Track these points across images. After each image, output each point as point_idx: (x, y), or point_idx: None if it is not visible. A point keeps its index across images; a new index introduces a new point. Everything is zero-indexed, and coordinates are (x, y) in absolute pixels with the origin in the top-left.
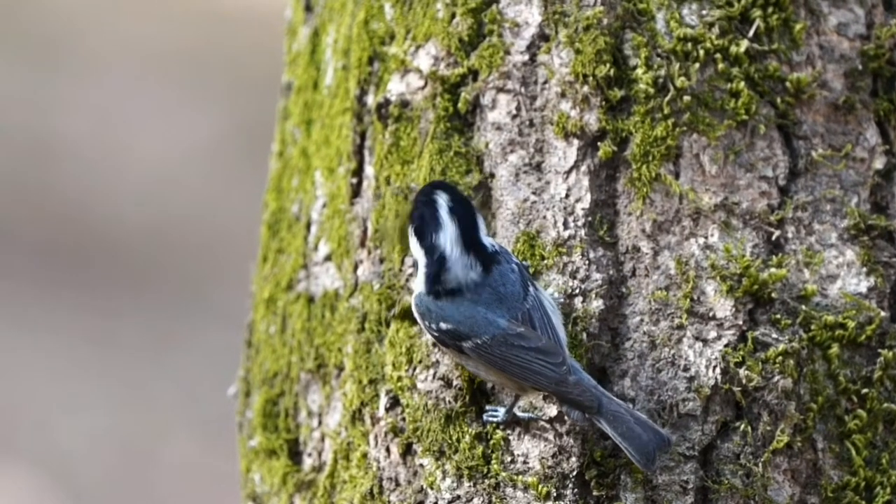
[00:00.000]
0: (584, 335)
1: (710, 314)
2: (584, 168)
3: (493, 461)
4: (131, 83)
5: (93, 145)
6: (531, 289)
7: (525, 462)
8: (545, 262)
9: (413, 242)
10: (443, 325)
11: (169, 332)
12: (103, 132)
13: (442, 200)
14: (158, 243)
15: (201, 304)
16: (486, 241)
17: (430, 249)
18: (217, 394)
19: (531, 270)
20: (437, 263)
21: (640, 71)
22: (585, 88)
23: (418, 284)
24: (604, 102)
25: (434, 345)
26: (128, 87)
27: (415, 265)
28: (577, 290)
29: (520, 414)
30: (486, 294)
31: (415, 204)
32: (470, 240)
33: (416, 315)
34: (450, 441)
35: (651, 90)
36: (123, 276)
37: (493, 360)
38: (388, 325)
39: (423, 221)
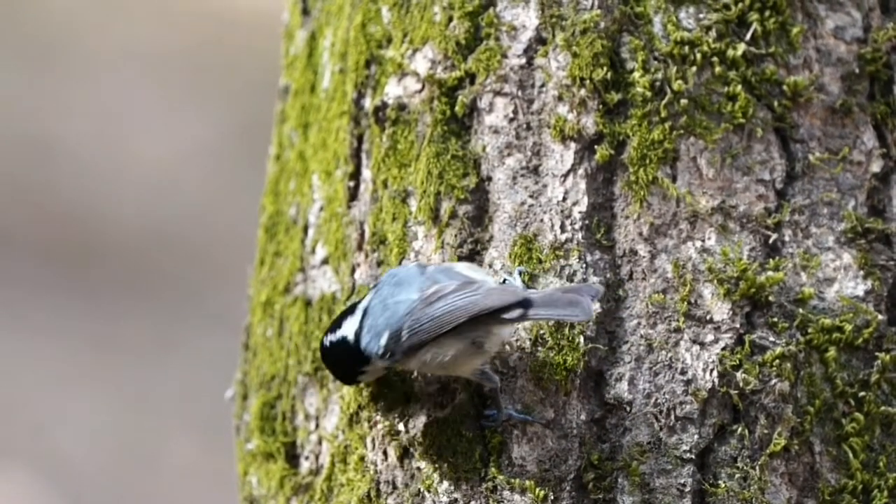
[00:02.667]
0: (581, 338)
1: (708, 317)
2: (581, 171)
3: (491, 464)
4: (130, 85)
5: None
6: (431, 266)
7: (522, 465)
8: (542, 265)
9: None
10: (382, 341)
11: (167, 335)
12: (102, 134)
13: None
14: (157, 246)
15: (199, 307)
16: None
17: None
18: (215, 396)
19: (527, 276)
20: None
21: (637, 74)
22: (582, 92)
23: (370, 348)
24: (601, 106)
25: (400, 376)
26: (127, 90)
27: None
28: None
29: (515, 415)
30: (385, 290)
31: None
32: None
33: (371, 363)
34: (447, 444)
35: (648, 93)
36: (122, 279)
37: (428, 326)
38: None
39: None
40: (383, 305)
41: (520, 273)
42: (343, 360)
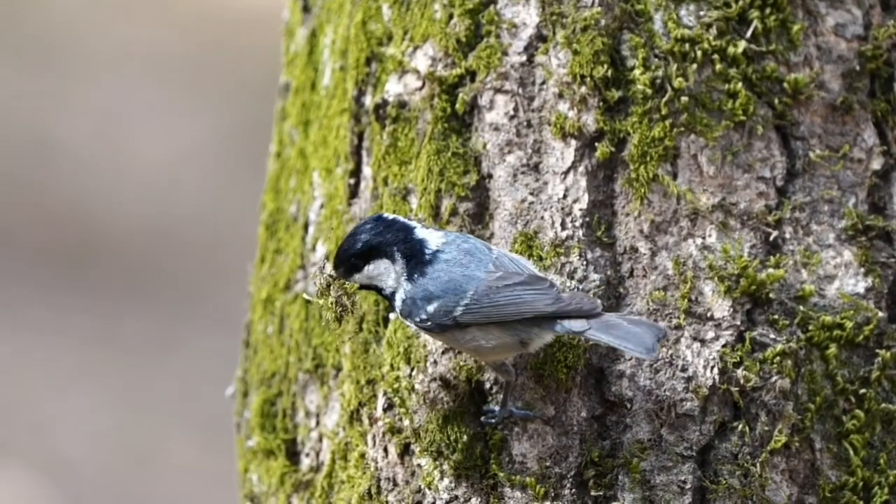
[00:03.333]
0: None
1: (708, 314)
2: (581, 168)
3: (492, 461)
4: (130, 85)
5: (92, 147)
6: (493, 247)
7: (523, 462)
8: (543, 262)
9: (368, 271)
10: (430, 308)
11: (167, 334)
12: (103, 134)
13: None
14: (157, 245)
15: (200, 306)
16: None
17: (406, 241)
18: (216, 394)
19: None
20: (417, 245)
21: (637, 72)
22: (583, 89)
23: (398, 292)
24: (601, 103)
25: (435, 343)
26: (127, 89)
27: (383, 292)
28: (576, 291)
29: (516, 412)
30: (454, 252)
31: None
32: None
33: (405, 321)
34: (448, 441)
35: (649, 91)
36: (123, 278)
37: (485, 310)
38: (385, 326)
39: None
40: (448, 268)
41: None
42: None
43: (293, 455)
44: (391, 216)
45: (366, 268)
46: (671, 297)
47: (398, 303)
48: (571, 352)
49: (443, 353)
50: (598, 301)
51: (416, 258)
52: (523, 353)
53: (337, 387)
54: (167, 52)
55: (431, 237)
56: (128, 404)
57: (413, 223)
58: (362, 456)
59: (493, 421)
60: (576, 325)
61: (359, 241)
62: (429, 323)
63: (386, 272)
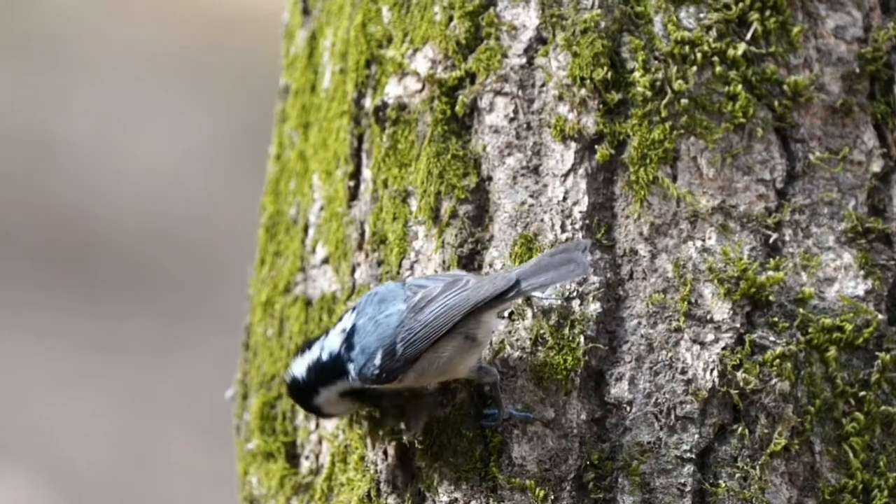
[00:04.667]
0: (582, 338)
1: (708, 317)
2: (581, 171)
3: (491, 464)
4: (130, 85)
5: (92, 147)
6: (410, 278)
7: (522, 465)
8: None
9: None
10: (376, 360)
11: (167, 335)
12: (103, 134)
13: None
14: (157, 246)
15: (200, 307)
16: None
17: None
18: (216, 396)
19: None
20: (330, 363)
21: (637, 74)
22: (583, 91)
23: (353, 378)
24: (601, 105)
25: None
26: (127, 90)
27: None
28: (575, 293)
29: (515, 414)
30: (369, 310)
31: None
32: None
33: (368, 389)
34: (447, 444)
35: (648, 93)
36: (122, 278)
37: (423, 331)
38: None
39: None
40: (374, 323)
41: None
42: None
43: (293, 458)
44: (299, 367)
45: (322, 394)
46: (671, 300)
47: (354, 379)
48: (570, 354)
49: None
50: (512, 276)
51: (337, 363)
52: (476, 348)
53: None
54: (167, 52)
55: (335, 331)
56: (128, 405)
57: (316, 346)
58: (362, 458)
59: (493, 424)
60: (510, 294)
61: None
62: (383, 375)
63: (333, 386)
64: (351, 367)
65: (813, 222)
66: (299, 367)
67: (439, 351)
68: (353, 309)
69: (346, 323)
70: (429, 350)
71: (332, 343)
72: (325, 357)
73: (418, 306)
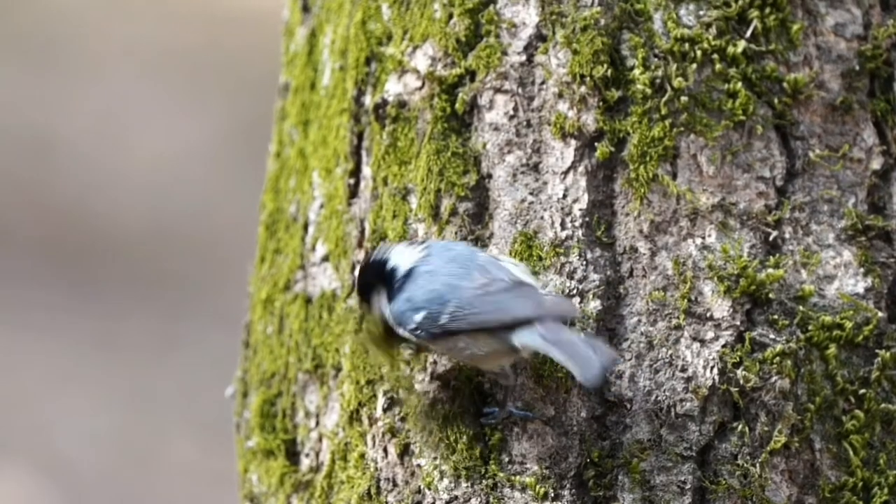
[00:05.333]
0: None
1: (708, 315)
2: (581, 168)
3: (491, 461)
4: (130, 83)
5: (93, 145)
6: (481, 251)
7: (523, 462)
8: (543, 262)
9: (374, 304)
10: (417, 317)
11: (168, 333)
12: (103, 132)
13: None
14: (157, 244)
15: (200, 305)
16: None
17: (386, 276)
18: (216, 394)
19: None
20: (389, 278)
21: (637, 71)
22: (583, 89)
23: (386, 312)
24: (601, 103)
25: (426, 352)
26: (127, 88)
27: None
28: (575, 291)
29: (516, 412)
30: (436, 263)
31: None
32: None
33: (396, 330)
34: (447, 441)
35: (648, 91)
36: (122, 277)
37: (471, 319)
38: None
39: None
40: (430, 278)
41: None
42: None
43: (293, 455)
44: (378, 255)
45: (372, 302)
46: (671, 297)
47: (390, 319)
48: None
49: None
50: (577, 306)
51: (391, 285)
52: (513, 355)
53: (337, 387)
54: (168, 50)
55: (403, 259)
56: (127, 404)
57: (388, 253)
58: (362, 456)
59: (492, 422)
60: (526, 337)
61: (356, 284)
62: (419, 331)
63: (380, 303)
64: (387, 312)
65: (813, 220)
66: (399, 258)
67: (479, 344)
68: (425, 247)
69: (408, 263)
70: (469, 336)
71: (400, 261)
72: (394, 265)
73: (479, 293)
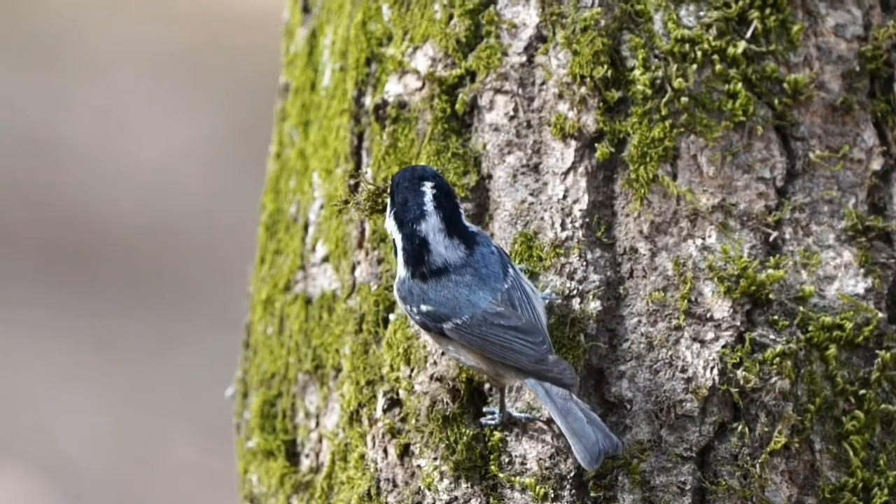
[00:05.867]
0: (582, 336)
1: (708, 315)
2: (581, 169)
3: (491, 462)
4: (130, 84)
5: (93, 146)
6: (511, 270)
7: (523, 463)
8: (543, 263)
9: (391, 226)
10: (423, 308)
11: (168, 333)
12: (103, 133)
13: (427, 189)
14: (158, 244)
15: (200, 305)
16: (468, 225)
17: (411, 235)
18: (216, 395)
19: (528, 273)
20: (418, 248)
21: (637, 72)
22: (583, 90)
23: (400, 269)
24: (601, 104)
25: (418, 330)
26: (127, 88)
27: (393, 250)
28: (575, 292)
29: (516, 414)
30: (469, 275)
31: (397, 187)
32: (453, 225)
33: (397, 299)
34: (447, 442)
35: (649, 91)
36: (123, 277)
37: (473, 339)
38: (385, 326)
39: (405, 207)
40: (455, 288)
41: (504, 252)
42: (403, 214)
43: (293, 456)
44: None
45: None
46: (671, 298)
47: (396, 282)
48: (571, 353)
49: (442, 353)
50: (578, 378)
51: (418, 257)
52: (506, 378)
53: (336, 388)
54: (167, 50)
55: (447, 249)
56: (127, 404)
57: (427, 233)
58: (362, 457)
59: (492, 423)
60: (535, 387)
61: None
62: (417, 316)
63: (395, 238)
64: (400, 273)
65: (813, 220)
66: (434, 237)
67: (469, 357)
68: (464, 257)
69: (447, 258)
70: (463, 347)
71: (437, 259)
72: (410, 245)
73: (492, 321)
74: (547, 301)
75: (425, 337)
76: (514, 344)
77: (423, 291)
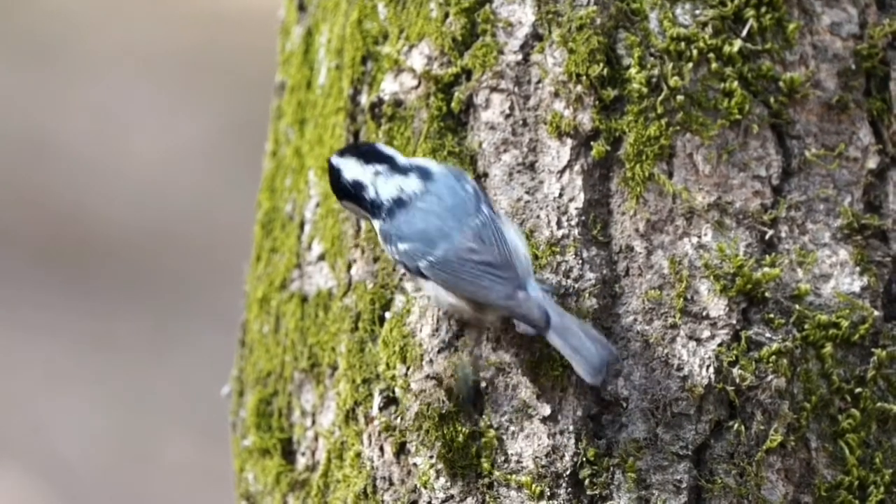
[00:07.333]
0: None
1: (704, 313)
2: (577, 167)
3: (487, 460)
4: (127, 83)
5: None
6: (485, 208)
7: (519, 461)
8: (539, 261)
9: (350, 206)
10: (401, 247)
11: (165, 333)
12: (100, 133)
13: (352, 159)
14: (154, 244)
15: (197, 305)
16: (414, 160)
17: (356, 186)
18: (212, 393)
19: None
20: (370, 193)
21: (633, 70)
22: (579, 88)
23: (374, 224)
24: (597, 102)
25: (403, 275)
26: (123, 87)
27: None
28: (571, 290)
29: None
30: (435, 204)
31: (331, 178)
32: (392, 162)
33: (382, 246)
34: (443, 440)
35: (644, 90)
36: (119, 277)
37: (446, 277)
38: (381, 325)
39: (353, 184)
40: (424, 220)
41: (484, 191)
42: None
43: (289, 454)
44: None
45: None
46: (667, 296)
47: (377, 228)
48: None
49: (439, 351)
50: (547, 313)
51: (374, 202)
52: (482, 321)
53: (333, 386)
54: (164, 50)
55: (391, 185)
56: (124, 404)
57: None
58: (358, 455)
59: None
60: (526, 328)
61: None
62: (398, 257)
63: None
64: (377, 224)
65: (809, 219)
66: (352, 172)
67: (448, 296)
68: (421, 176)
69: (411, 187)
70: (439, 286)
71: (385, 191)
72: (375, 196)
73: (464, 256)
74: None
75: (407, 286)
76: (484, 279)
77: (398, 228)
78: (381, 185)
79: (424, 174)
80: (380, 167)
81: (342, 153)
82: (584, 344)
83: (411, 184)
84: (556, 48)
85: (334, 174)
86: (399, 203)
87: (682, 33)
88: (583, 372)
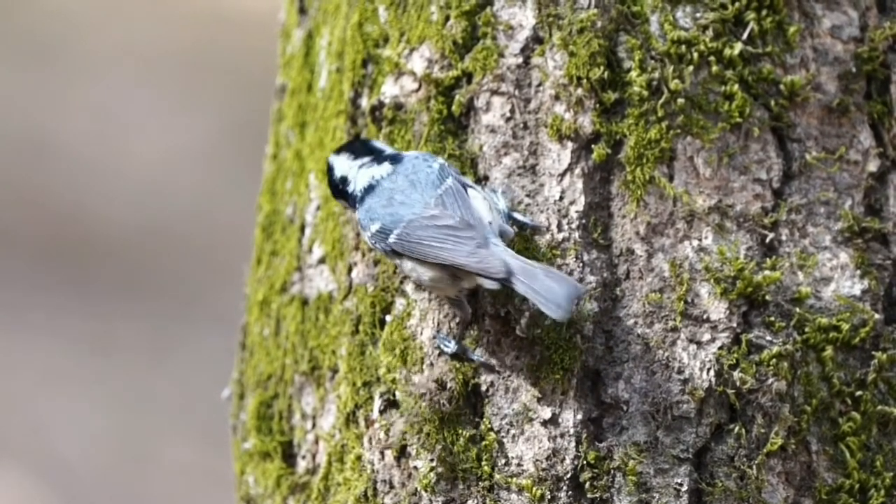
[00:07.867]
0: (578, 338)
1: (704, 316)
2: (578, 170)
3: (488, 464)
4: (128, 85)
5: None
6: (450, 180)
7: (519, 464)
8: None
9: (343, 203)
10: (373, 227)
11: (165, 335)
12: (100, 134)
13: (337, 159)
14: (154, 246)
15: (197, 307)
16: (388, 148)
17: (343, 182)
18: (213, 396)
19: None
20: (354, 187)
21: (634, 73)
22: (579, 91)
23: (357, 214)
24: (598, 105)
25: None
26: (124, 89)
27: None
28: None
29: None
30: (401, 181)
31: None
32: (364, 150)
33: (362, 234)
34: (444, 443)
35: (645, 93)
36: (119, 279)
37: (412, 246)
38: (382, 328)
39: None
40: (389, 197)
41: (455, 170)
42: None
43: (289, 457)
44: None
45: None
46: (667, 300)
47: (356, 219)
48: (567, 353)
49: (439, 355)
50: (507, 264)
51: (352, 197)
52: (457, 284)
53: (333, 389)
54: (164, 51)
55: (365, 175)
56: (125, 405)
57: (356, 163)
58: (358, 458)
59: (447, 350)
60: (491, 284)
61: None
62: (374, 242)
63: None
64: (357, 213)
65: (809, 222)
66: (341, 168)
67: (423, 269)
68: (387, 170)
69: (381, 173)
70: (414, 261)
71: (361, 181)
72: (353, 187)
73: (426, 223)
74: (527, 225)
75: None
76: (448, 242)
77: (368, 210)
78: (360, 176)
79: (395, 159)
80: (365, 160)
81: (338, 151)
82: (547, 284)
83: (382, 169)
84: (557, 51)
85: (329, 172)
86: (369, 189)
87: (683, 36)
88: (549, 310)
